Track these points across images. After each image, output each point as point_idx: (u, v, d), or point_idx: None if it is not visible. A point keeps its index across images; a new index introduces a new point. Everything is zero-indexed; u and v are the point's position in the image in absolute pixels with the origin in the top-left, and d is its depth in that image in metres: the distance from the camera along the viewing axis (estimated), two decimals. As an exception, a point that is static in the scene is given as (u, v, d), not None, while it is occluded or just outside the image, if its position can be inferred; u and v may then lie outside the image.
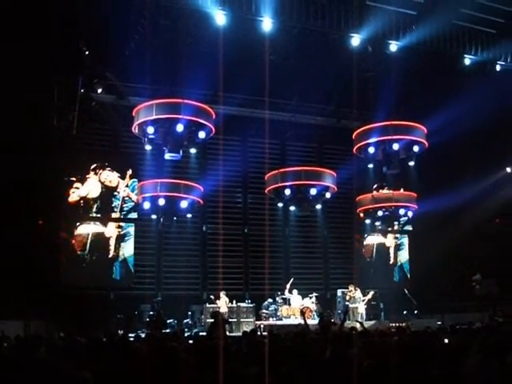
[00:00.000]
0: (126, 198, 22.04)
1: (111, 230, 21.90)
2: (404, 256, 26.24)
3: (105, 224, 21.79)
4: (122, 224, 22.07)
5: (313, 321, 19.08)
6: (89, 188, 21.56)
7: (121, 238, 21.83)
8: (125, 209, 22.08)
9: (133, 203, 22.08)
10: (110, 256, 21.58)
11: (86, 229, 21.49)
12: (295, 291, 21.45)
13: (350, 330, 10.06)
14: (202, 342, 8.81)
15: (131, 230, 22.17)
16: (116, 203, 21.97)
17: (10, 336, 11.85)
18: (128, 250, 21.89)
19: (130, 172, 22.01)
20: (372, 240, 25.78)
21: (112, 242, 21.71)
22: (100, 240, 21.50)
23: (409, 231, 25.94)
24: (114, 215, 22.05)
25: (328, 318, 18.08)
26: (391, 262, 26.07)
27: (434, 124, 19.95)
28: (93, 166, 21.72)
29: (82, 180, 21.39)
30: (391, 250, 26.29)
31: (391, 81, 19.56)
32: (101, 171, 21.82)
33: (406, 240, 26.40)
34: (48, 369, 5.69)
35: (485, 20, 20.11)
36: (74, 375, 4.23)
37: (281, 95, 22.06)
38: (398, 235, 26.19)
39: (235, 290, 22.18)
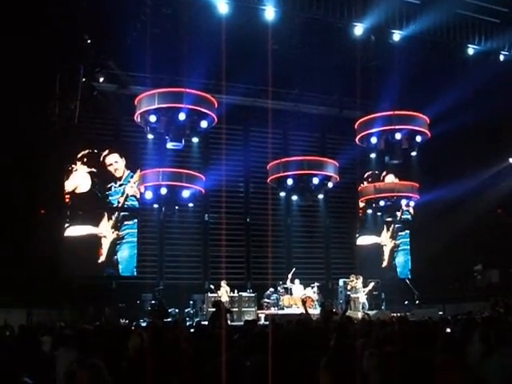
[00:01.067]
0: (131, 197, 21.69)
1: (105, 232, 21.18)
2: (404, 253, 26.21)
3: (96, 224, 21.11)
4: (127, 222, 21.57)
5: (314, 310, 19.14)
6: (76, 182, 20.97)
7: (118, 240, 21.37)
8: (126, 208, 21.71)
9: (136, 203, 21.75)
10: (100, 261, 21.00)
11: (77, 230, 20.76)
12: (297, 281, 21.47)
13: (346, 319, 10.07)
14: (204, 331, 8.82)
15: (131, 231, 21.62)
16: (115, 197, 21.57)
17: (12, 324, 11.89)
18: (123, 254, 21.34)
19: (139, 172, 21.40)
20: (365, 240, 25.72)
21: (105, 246, 21.11)
22: (92, 242, 20.93)
23: (410, 221, 25.94)
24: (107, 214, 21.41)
25: (329, 307, 18.11)
26: (384, 265, 25.89)
27: (436, 114, 19.90)
28: (80, 154, 21.07)
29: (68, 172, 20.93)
30: (386, 250, 26.16)
31: (394, 70, 19.48)
32: (107, 153, 21.50)
33: (405, 239, 26.37)
34: (51, 357, 5.71)
35: (488, 9, 19.99)
36: (83, 363, 4.23)
37: (283, 85, 21.99)
38: (396, 234, 26.16)
39: (237, 280, 22.25)
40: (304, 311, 13.27)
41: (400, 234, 26.35)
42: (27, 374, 4.78)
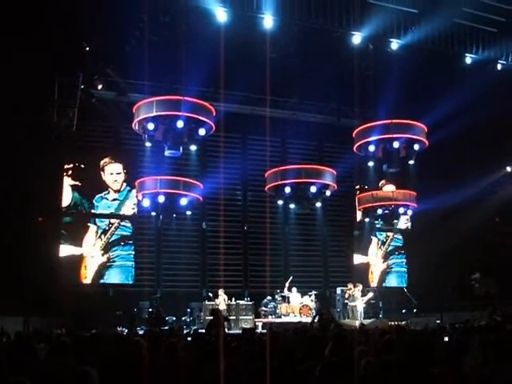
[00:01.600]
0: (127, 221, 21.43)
1: (92, 252, 20.69)
2: (397, 276, 25.81)
3: (79, 244, 20.56)
4: (125, 244, 21.25)
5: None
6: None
7: (107, 263, 20.97)
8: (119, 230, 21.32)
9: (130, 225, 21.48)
10: (85, 283, 20.55)
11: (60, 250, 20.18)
12: (294, 289, 21.42)
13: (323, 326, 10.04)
14: (201, 339, 8.80)
15: (122, 253, 21.14)
16: (106, 211, 21.27)
17: (9, 332, 11.86)
18: (112, 279, 20.94)
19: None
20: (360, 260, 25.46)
21: (92, 268, 20.65)
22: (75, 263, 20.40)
23: (407, 230, 25.93)
24: (92, 229, 20.86)
25: (327, 316, 18.10)
26: (374, 286, 24.92)
27: (434, 122, 19.93)
28: (68, 166, 20.69)
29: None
30: (376, 271, 25.64)
31: (392, 79, 19.50)
32: (109, 161, 21.30)
33: (398, 260, 26.09)
34: (47, 364, 5.68)
35: (486, 19, 20.09)
36: (74, 370, 4.24)
37: (281, 93, 22.01)
38: (388, 255, 25.98)
39: (234, 288, 22.21)
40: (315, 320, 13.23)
41: (393, 255, 26.00)
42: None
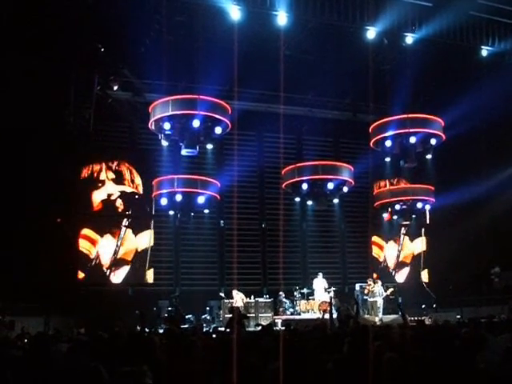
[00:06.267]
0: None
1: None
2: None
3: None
4: None
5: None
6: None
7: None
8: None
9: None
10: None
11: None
12: (320, 274, 21.48)
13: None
14: (221, 337, 8.82)
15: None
16: None
17: (29, 332, 11.98)
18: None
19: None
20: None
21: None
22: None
23: (425, 224, 25.72)
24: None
25: (346, 312, 18.03)
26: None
27: (451, 117, 19.80)
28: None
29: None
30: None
31: (407, 73, 19.43)
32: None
33: None
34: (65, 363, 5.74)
35: (502, 10, 19.86)
36: (86, 366, 4.30)
37: (297, 90, 21.98)
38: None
39: (253, 285, 22.23)
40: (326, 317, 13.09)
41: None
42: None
